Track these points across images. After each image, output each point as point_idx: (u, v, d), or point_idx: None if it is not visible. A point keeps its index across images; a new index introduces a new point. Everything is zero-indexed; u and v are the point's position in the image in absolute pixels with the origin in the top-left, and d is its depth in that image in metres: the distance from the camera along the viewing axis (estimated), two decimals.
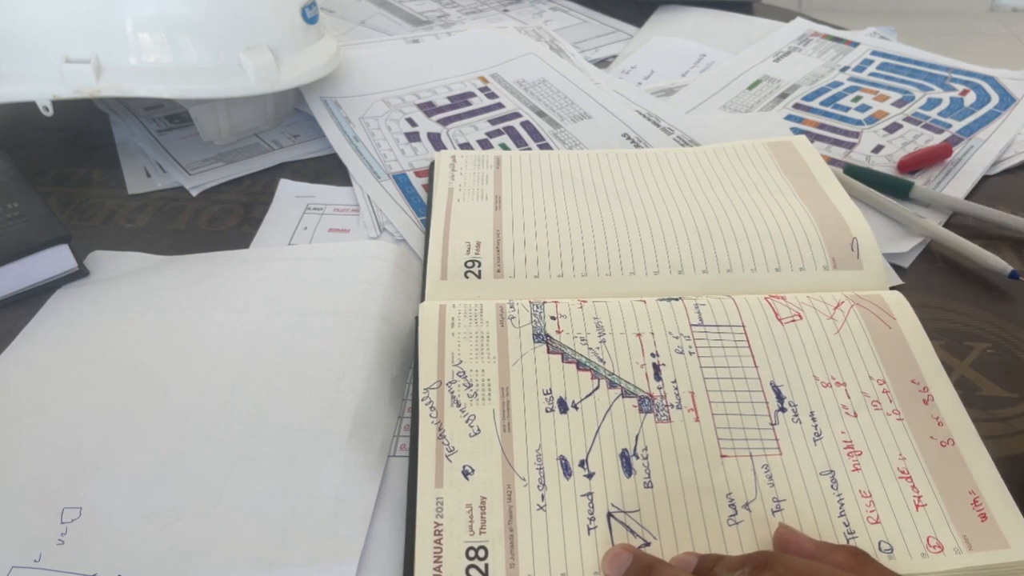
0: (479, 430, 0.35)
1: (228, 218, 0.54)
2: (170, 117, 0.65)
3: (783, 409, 0.36)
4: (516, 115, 0.64)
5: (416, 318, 0.40)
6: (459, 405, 0.36)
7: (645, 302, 0.41)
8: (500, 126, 0.62)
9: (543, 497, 0.33)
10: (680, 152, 0.56)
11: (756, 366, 0.38)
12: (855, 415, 0.36)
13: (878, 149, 0.59)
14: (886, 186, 0.53)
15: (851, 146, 0.60)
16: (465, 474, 0.34)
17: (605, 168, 0.54)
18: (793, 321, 0.40)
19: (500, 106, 0.65)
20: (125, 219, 0.54)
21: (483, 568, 0.31)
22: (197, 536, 0.33)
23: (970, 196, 0.54)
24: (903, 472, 0.34)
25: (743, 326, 0.40)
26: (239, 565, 0.32)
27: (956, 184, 0.55)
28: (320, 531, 0.33)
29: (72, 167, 0.60)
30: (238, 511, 0.33)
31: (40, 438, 0.37)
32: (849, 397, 0.37)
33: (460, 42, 0.75)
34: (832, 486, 0.34)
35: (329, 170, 0.59)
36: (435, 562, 0.31)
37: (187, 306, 0.44)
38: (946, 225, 0.51)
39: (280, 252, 0.49)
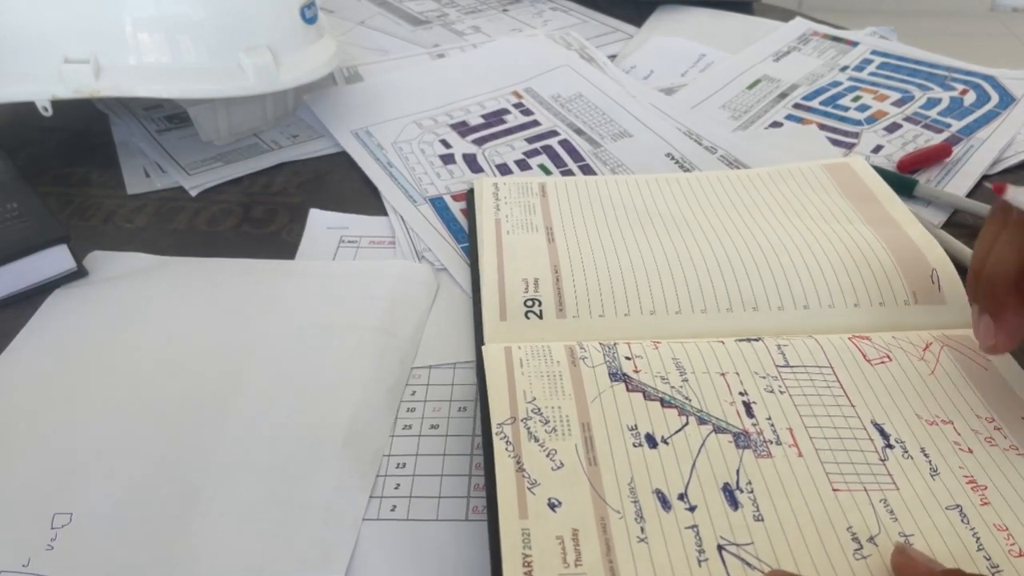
0: (562, 464, 0.33)
1: (227, 218, 0.54)
2: (169, 117, 0.65)
3: (890, 446, 0.34)
4: (553, 133, 0.61)
5: (478, 359, 0.39)
6: (537, 440, 0.34)
7: (724, 343, 0.39)
8: (537, 145, 0.60)
9: (642, 529, 0.31)
10: (733, 175, 0.53)
11: (853, 405, 0.36)
12: (970, 451, 0.34)
13: (878, 149, 0.59)
14: (890, 184, 0.53)
15: (851, 146, 0.60)
16: (552, 506, 0.32)
17: (657, 194, 0.51)
18: (883, 362, 0.38)
19: (536, 123, 0.62)
20: (124, 219, 0.54)
21: None
22: (186, 544, 0.32)
23: (970, 196, 0.54)
24: None
25: (831, 367, 0.38)
26: (228, 573, 0.31)
27: (956, 184, 0.55)
28: (309, 540, 0.32)
29: (71, 167, 0.60)
30: (228, 519, 0.33)
31: (35, 441, 0.37)
32: (959, 434, 0.35)
33: (488, 54, 0.73)
34: (962, 520, 0.32)
35: (328, 170, 0.59)
36: None
37: (185, 311, 0.44)
38: (946, 224, 0.51)
39: (283, 265, 0.49)
